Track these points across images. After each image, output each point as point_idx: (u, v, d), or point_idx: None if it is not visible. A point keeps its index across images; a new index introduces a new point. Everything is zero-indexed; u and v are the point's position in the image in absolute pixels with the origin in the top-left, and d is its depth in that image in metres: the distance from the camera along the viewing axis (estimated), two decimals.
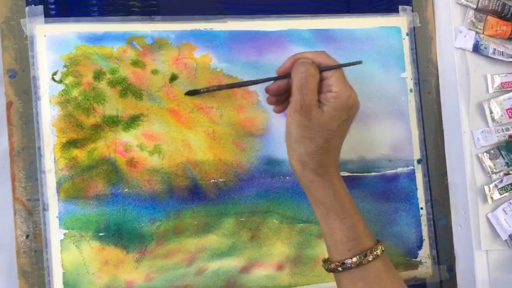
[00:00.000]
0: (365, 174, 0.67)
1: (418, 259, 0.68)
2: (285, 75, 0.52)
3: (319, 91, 0.50)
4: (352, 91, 0.50)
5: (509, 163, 0.67)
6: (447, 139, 0.69)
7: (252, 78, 0.63)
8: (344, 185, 0.53)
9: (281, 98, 0.54)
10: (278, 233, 0.63)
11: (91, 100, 0.58)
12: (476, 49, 0.67)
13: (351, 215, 0.51)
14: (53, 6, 0.58)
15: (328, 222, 0.51)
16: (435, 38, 0.71)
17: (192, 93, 0.60)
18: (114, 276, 0.58)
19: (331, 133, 0.49)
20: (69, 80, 0.58)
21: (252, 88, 0.63)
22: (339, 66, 0.51)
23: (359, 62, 0.54)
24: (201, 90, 0.58)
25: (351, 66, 0.53)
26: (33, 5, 0.57)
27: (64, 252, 0.57)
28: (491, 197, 0.67)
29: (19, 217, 0.56)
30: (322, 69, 0.50)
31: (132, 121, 0.59)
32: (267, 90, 0.54)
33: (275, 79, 0.53)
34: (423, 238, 0.68)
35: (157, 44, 0.61)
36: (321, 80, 0.50)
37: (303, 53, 0.52)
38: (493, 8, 0.68)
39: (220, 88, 0.58)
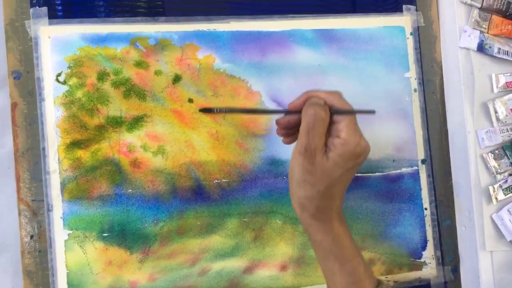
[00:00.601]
0: (369, 174, 0.66)
1: (422, 260, 0.68)
2: (296, 111, 0.50)
3: (328, 134, 0.48)
4: (362, 138, 0.48)
5: None
6: (451, 139, 0.69)
7: (255, 78, 0.63)
8: (346, 228, 0.51)
9: (290, 131, 0.52)
10: (281, 234, 0.63)
11: (95, 101, 0.59)
12: (481, 48, 0.67)
13: (351, 260, 0.50)
14: (57, 8, 0.59)
15: (327, 264, 0.50)
16: (439, 37, 0.70)
17: (205, 110, 0.59)
18: (118, 276, 0.58)
19: (333, 181, 0.48)
20: (73, 81, 0.58)
21: (255, 88, 0.63)
22: (351, 113, 0.49)
23: (373, 112, 0.52)
24: (215, 110, 0.57)
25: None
26: (37, 7, 0.58)
27: (68, 252, 0.57)
28: (496, 198, 0.66)
29: (24, 218, 0.57)
30: (333, 112, 0.48)
31: (136, 122, 0.60)
32: (277, 122, 0.52)
33: (286, 112, 0.51)
34: (427, 239, 0.68)
35: (161, 45, 0.61)
36: (331, 123, 0.48)
37: (316, 91, 0.50)
38: (498, 7, 0.67)
39: (232, 111, 0.56)
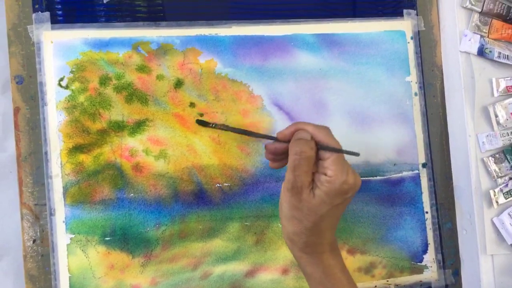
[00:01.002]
0: (370, 178, 0.67)
1: (423, 264, 0.68)
2: (284, 140, 0.50)
3: (315, 169, 0.48)
4: (350, 175, 0.47)
5: None
6: (452, 143, 0.69)
7: (257, 83, 0.63)
8: (338, 260, 0.51)
9: (277, 157, 0.52)
10: (282, 238, 0.63)
11: (97, 106, 0.59)
12: (481, 52, 0.67)
13: None
14: (59, 13, 0.59)
15: None
16: (440, 41, 0.71)
17: (201, 123, 0.56)
18: (120, 280, 0.58)
19: (320, 217, 0.47)
20: (76, 85, 0.58)
21: (256, 92, 0.64)
22: (338, 151, 0.48)
23: (357, 154, 0.50)
24: (211, 125, 0.54)
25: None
26: (40, 12, 0.58)
27: (70, 256, 0.57)
28: (497, 201, 0.67)
29: (26, 222, 0.57)
30: (320, 147, 0.48)
31: (138, 126, 0.60)
32: (265, 147, 0.52)
33: (275, 139, 0.51)
34: (428, 242, 0.68)
35: (162, 49, 0.61)
36: (318, 159, 0.48)
37: (305, 124, 0.50)
38: (498, 11, 0.68)
39: (226, 129, 0.53)
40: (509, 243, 0.66)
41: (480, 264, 0.66)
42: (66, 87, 0.58)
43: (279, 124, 0.64)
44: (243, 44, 0.64)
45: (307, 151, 0.47)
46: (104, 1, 0.60)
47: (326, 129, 0.50)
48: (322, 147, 0.48)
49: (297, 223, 0.48)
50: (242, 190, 0.62)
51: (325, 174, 0.47)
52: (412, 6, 0.70)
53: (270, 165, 0.53)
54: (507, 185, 0.67)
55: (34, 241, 0.57)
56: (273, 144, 0.51)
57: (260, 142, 0.63)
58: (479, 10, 0.67)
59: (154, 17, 0.62)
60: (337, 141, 0.49)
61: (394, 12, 0.70)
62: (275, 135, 0.51)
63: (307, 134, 0.49)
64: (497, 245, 0.67)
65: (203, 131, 0.61)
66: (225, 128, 0.52)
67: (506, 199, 0.67)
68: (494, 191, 0.67)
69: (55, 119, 0.58)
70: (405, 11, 0.70)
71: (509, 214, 0.66)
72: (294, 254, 0.50)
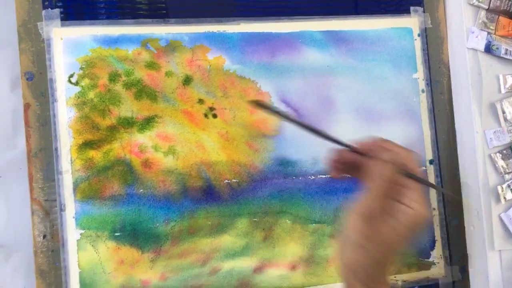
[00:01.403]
0: None
1: (430, 260, 0.68)
2: (358, 151, 0.45)
3: (392, 195, 0.43)
4: (427, 209, 0.43)
5: None
6: (459, 139, 0.69)
7: (265, 79, 0.64)
8: None
9: (340, 166, 0.47)
10: (291, 234, 0.63)
11: (107, 102, 0.59)
12: (488, 49, 0.68)
13: None
14: (69, 10, 0.59)
15: None
16: (447, 38, 0.71)
17: (259, 105, 0.48)
18: (129, 275, 0.59)
19: (392, 251, 0.42)
20: (85, 82, 0.59)
21: (264, 89, 0.64)
22: (428, 184, 0.44)
23: (443, 191, 0.45)
24: (272, 109, 0.45)
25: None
26: (49, 9, 0.58)
27: (80, 252, 0.57)
28: (504, 197, 0.67)
29: (37, 217, 0.57)
30: (405, 174, 0.42)
31: (147, 123, 0.60)
32: (333, 152, 0.46)
33: (347, 147, 0.45)
34: (436, 239, 0.69)
35: (171, 46, 0.62)
36: (398, 184, 0.43)
37: (392, 143, 0.44)
38: (505, 8, 0.68)
39: (287, 118, 0.46)
40: None
41: (488, 259, 0.66)
42: (76, 84, 0.59)
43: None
44: (251, 41, 0.64)
45: (393, 175, 0.42)
46: None
47: (412, 153, 0.44)
48: (409, 174, 0.43)
49: (364, 253, 0.42)
50: (250, 187, 0.63)
51: (409, 207, 0.42)
52: (419, 3, 0.70)
53: (329, 174, 0.49)
54: None
55: (44, 236, 0.57)
56: (342, 152, 0.46)
57: (268, 138, 0.64)
58: (486, 7, 0.68)
59: (163, 14, 0.62)
60: (419, 170, 0.45)
61: (401, 9, 0.70)
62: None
63: (394, 156, 0.43)
64: (504, 240, 0.67)
65: (211, 127, 0.62)
66: (290, 120, 0.45)
67: None
68: (502, 187, 0.67)
69: (65, 115, 0.58)
70: (412, 8, 0.70)
71: None
72: (348, 282, 0.43)
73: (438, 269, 0.68)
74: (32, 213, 0.57)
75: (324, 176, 0.65)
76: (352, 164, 0.45)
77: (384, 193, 0.42)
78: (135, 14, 0.61)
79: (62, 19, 0.59)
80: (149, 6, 0.62)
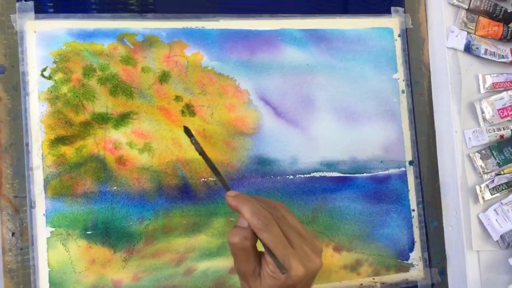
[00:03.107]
0: (356, 174, 0.66)
1: (409, 262, 0.68)
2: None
3: (262, 257, 0.45)
4: (294, 269, 0.43)
5: (501, 163, 0.67)
6: (438, 139, 0.69)
7: (244, 77, 0.63)
8: None
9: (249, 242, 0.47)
10: None
11: (81, 97, 0.58)
12: (468, 49, 0.68)
13: None
14: (44, 3, 0.58)
15: None
16: (428, 40, 0.71)
17: (186, 131, 0.53)
18: (101, 275, 0.57)
19: None
20: (59, 76, 0.57)
21: (243, 87, 0.63)
22: (269, 253, 0.43)
23: (283, 271, 0.43)
24: (192, 139, 0.51)
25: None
26: (23, 1, 0.57)
27: (50, 250, 0.56)
28: (483, 197, 0.66)
29: (6, 214, 0.55)
30: (199, 151, 0.47)
31: (122, 119, 0.59)
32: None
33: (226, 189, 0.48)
34: (415, 240, 0.68)
35: (148, 41, 0.60)
36: (253, 251, 0.45)
37: (245, 205, 0.45)
38: (485, 8, 0.68)
39: (200, 153, 0.51)
40: (494, 240, 0.66)
41: (466, 260, 0.66)
42: (49, 78, 0.57)
43: (265, 119, 0.63)
44: (230, 37, 0.63)
45: (240, 242, 0.44)
46: None
47: (266, 218, 0.44)
48: (203, 155, 0.46)
49: None
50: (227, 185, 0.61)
51: (268, 267, 0.43)
52: (400, 3, 0.70)
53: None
54: (493, 181, 0.67)
55: (13, 234, 0.55)
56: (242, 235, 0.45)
57: (246, 136, 0.63)
58: (466, 7, 0.68)
59: (143, 9, 0.61)
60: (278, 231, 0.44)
61: (382, 9, 0.70)
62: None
63: (244, 220, 0.45)
64: (483, 241, 0.66)
65: (189, 124, 0.61)
66: (200, 152, 0.50)
67: (492, 195, 0.67)
68: (480, 187, 0.67)
69: (37, 110, 0.57)
70: (393, 8, 0.70)
71: (495, 210, 0.66)
72: None
73: (417, 271, 0.68)
74: (1, 210, 0.55)
75: (303, 176, 0.64)
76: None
77: (242, 256, 0.44)
78: (112, 8, 0.60)
79: (36, 11, 0.58)
80: (129, 1, 0.61)
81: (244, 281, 0.46)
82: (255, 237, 0.44)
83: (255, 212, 0.44)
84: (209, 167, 0.51)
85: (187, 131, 0.54)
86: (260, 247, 0.45)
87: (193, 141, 0.51)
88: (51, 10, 0.58)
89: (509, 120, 0.68)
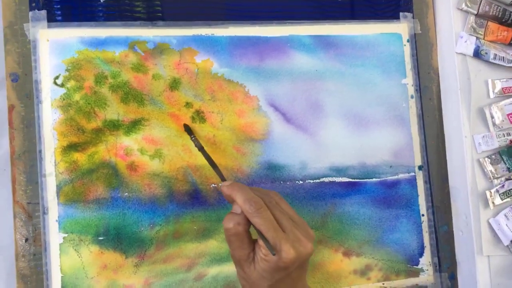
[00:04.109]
0: (365, 179, 0.66)
1: (419, 267, 0.68)
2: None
3: (251, 246, 0.48)
4: (285, 252, 0.45)
5: (511, 168, 0.67)
6: (448, 144, 0.69)
7: (253, 83, 0.64)
8: None
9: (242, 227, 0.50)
10: None
11: (93, 104, 0.59)
12: (477, 54, 0.68)
13: None
14: (56, 11, 0.59)
15: None
16: (436, 45, 0.71)
17: (187, 129, 0.60)
18: (113, 280, 0.58)
19: (261, 287, 0.47)
20: (71, 84, 0.58)
21: (253, 93, 0.63)
22: (261, 236, 0.46)
23: (273, 252, 0.46)
24: (192, 136, 0.59)
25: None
26: (36, 10, 0.58)
27: (63, 256, 0.56)
28: (493, 202, 0.66)
29: (19, 220, 0.56)
30: (197, 146, 0.50)
31: (133, 125, 0.60)
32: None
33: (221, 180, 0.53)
34: (425, 245, 0.68)
35: (159, 49, 0.61)
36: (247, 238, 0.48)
37: (238, 192, 0.48)
38: (494, 14, 0.68)
39: (200, 149, 0.57)
40: (505, 244, 0.66)
41: (476, 265, 0.66)
42: (62, 85, 0.58)
43: (275, 125, 0.64)
44: (239, 44, 0.64)
45: (234, 228, 0.46)
46: (101, 0, 0.60)
47: (258, 203, 0.47)
48: (252, 224, 0.47)
49: None
50: None
51: (260, 251, 0.46)
52: (409, 9, 0.70)
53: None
54: (503, 186, 0.67)
55: (26, 240, 0.56)
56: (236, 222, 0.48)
57: (255, 142, 0.63)
58: (475, 12, 0.68)
59: (152, 16, 0.62)
60: (270, 215, 0.47)
61: (390, 15, 0.70)
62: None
63: (238, 207, 0.48)
64: (493, 246, 0.66)
65: (199, 130, 0.61)
66: (199, 148, 0.56)
67: (502, 200, 0.66)
68: (491, 192, 0.66)
69: (49, 117, 0.57)
70: (401, 14, 0.70)
71: (505, 215, 0.66)
72: None
73: (427, 276, 0.68)
74: (15, 216, 0.56)
75: (312, 181, 0.64)
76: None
77: (236, 242, 0.46)
78: (119, 15, 0.61)
79: (49, 20, 0.58)
80: (137, 9, 0.62)
81: (239, 267, 0.48)
82: (248, 223, 0.47)
83: (247, 198, 0.47)
84: (207, 160, 0.55)
85: (187, 128, 0.58)
86: (254, 235, 0.48)
87: (192, 138, 0.56)
88: (60, 18, 0.59)
89: None
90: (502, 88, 0.68)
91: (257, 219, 0.46)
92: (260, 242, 0.46)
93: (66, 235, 0.57)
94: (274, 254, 0.45)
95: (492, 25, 0.69)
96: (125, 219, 0.59)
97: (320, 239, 0.64)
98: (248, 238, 0.48)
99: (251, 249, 0.47)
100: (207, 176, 0.61)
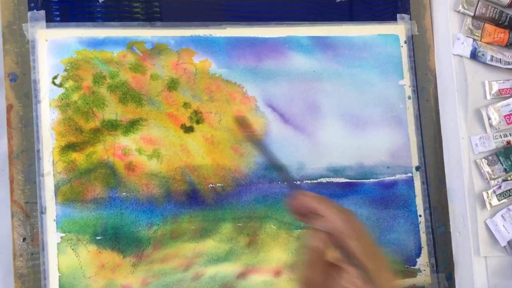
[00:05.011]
0: (363, 180, 0.66)
1: (416, 267, 0.68)
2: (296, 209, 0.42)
3: (331, 270, 0.39)
4: (386, 279, 0.38)
5: (508, 169, 0.67)
6: (445, 145, 0.69)
7: (251, 83, 0.64)
8: None
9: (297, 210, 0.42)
10: (275, 239, 0.63)
11: (91, 104, 0.59)
12: (474, 56, 0.68)
13: None
14: (55, 12, 0.59)
15: None
16: (433, 46, 0.71)
17: (240, 121, 0.55)
18: (110, 280, 0.58)
19: None
20: (69, 84, 0.58)
21: (250, 93, 0.64)
22: (357, 266, 0.38)
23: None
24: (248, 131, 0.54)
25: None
26: (35, 10, 0.58)
27: (60, 255, 0.57)
28: (490, 203, 0.66)
29: (17, 220, 0.56)
30: (253, 143, 0.44)
31: (131, 125, 0.60)
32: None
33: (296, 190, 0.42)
34: (422, 246, 0.68)
35: (157, 49, 0.61)
36: (334, 260, 0.39)
37: (328, 209, 0.39)
38: (491, 15, 0.68)
39: (260, 146, 0.53)
40: (502, 245, 0.66)
41: (474, 266, 0.66)
42: (60, 85, 0.58)
43: (272, 125, 0.64)
44: (237, 45, 0.64)
45: (322, 248, 0.39)
46: (100, 1, 0.61)
47: (350, 219, 0.39)
48: (341, 250, 0.39)
49: None
50: (235, 191, 0.62)
51: (343, 278, 0.38)
52: (406, 10, 0.71)
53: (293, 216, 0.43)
54: (500, 187, 0.67)
55: (24, 239, 0.56)
56: (299, 199, 0.41)
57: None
58: (472, 14, 0.68)
59: (150, 17, 0.62)
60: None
61: (388, 16, 0.70)
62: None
63: (326, 224, 0.39)
64: (490, 247, 0.66)
65: (197, 131, 0.61)
66: (258, 144, 0.50)
67: (499, 201, 0.67)
68: (487, 193, 0.67)
69: (48, 117, 0.58)
70: (398, 15, 0.70)
71: (502, 216, 0.66)
72: None
73: (424, 276, 0.68)
74: (12, 216, 0.56)
75: (310, 182, 0.65)
76: (307, 213, 0.41)
77: (316, 263, 0.38)
78: (118, 16, 0.61)
79: (48, 20, 0.59)
80: (135, 10, 0.62)
81: None
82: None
83: (345, 218, 0.39)
84: (269, 160, 0.49)
85: (240, 120, 0.53)
86: None
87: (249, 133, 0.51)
88: (58, 18, 0.59)
89: None
90: (499, 90, 0.68)
91: (356, 242, 0.39)
92: (350, 269, 0.38)
93: (64, 234, 0.57)
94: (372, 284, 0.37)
95: (489, 27, 0.69)
96: (123, 219, 0.59)
97: None
98: (326, 260, 0.40)
99: (325, 272, 0.39)
100: (205, 176, 0.61)
